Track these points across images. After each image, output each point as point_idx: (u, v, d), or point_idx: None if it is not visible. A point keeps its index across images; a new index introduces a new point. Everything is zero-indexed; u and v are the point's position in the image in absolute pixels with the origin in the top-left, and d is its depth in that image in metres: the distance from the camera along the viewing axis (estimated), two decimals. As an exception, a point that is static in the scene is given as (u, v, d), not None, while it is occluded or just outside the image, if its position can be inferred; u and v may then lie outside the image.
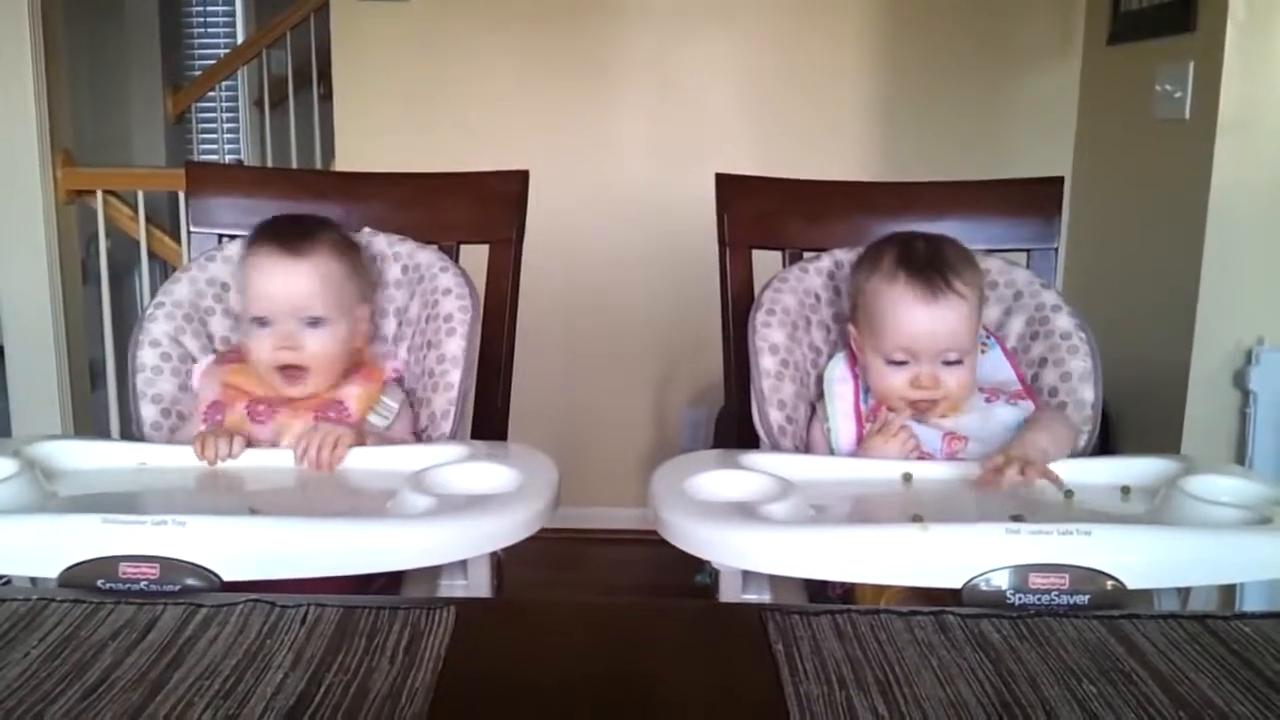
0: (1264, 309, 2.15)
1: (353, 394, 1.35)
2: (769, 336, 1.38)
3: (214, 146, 4.83)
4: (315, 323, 1.33)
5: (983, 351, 1.38)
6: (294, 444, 1.24)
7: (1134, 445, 2.32)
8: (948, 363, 1.29)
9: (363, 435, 1.28)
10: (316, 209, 1.52)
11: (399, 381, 1.44)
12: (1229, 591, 1.82)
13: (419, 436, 1.40)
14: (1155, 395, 2.28)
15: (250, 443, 1.26)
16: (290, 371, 1.33)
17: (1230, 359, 2.17)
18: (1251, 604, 1.84)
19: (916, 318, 1.28)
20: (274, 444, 1.29)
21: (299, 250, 1.33)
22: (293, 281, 1.32)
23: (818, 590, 1.22)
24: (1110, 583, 0.93)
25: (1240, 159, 2.09)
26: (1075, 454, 1.32)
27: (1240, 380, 2.16)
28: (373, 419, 1.35)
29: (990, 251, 1.46)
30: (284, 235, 1.35)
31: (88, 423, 3.03)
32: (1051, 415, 1.32)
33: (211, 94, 4.61)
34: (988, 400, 1.33)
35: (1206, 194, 2.11)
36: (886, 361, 1.31)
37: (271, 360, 1.32)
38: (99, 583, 0.93)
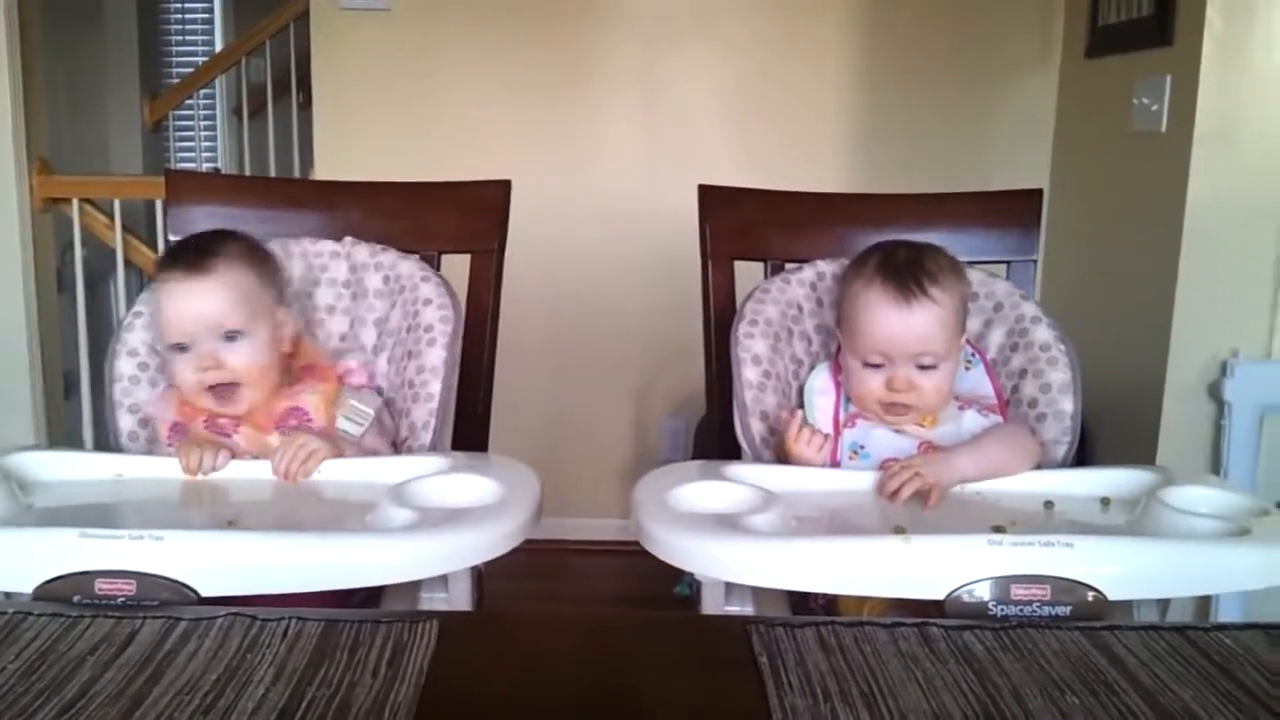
0: (1239, 321, 2.17)
1: (309, 400, 1.33)
2: (751, 348, 1.38)
3: (191, 155, 4.80)
4: (233, 336, 1.30)
5: (967, 368, 1.39)
6: (272, 456, 1.23)
7: (1109, 456, 2.33)
8: (922, 367, 1.30)
9: (340, 447, 1.27)
10: (296, 218, 1.53)
11: (376, 389, 1.43)
12: (1205, 601, 1.83)
13: (397, 447, 1.39)
14: (1131, 406, 2.29)
15: (234, 455, 1.25)
16: (220, 390, 1.30)
17: (1206, 370, 2.19)
18: (1226, 613, 1.85)
19: (889, 320, 1.29)
20: (255, 456, 1.28)
21: (204, 268, 1.31)
22: (202, 300, 1.30)
23: (800, 601, 1.22)
24: (1091, 594, 0.94)
25: (1216, 172, 2.11)
26: (1054, 465, 1.33)
27: (1215, 391, 2.17)
28: (345, 425, 1.33)
29: (970, 263, 1.47)
30: (187, 256, 1.33)
31: (62, 433, 3.00)
32: (1002, 433, 1.31)
33: (189, 102, 4.59)
34: (961, 409, 1.34)
35: (1183, 206, 2.13)
36: (863, 364, 1.32)
37: (198, 383, 1.30)
38: (75, 598, 0.92)
